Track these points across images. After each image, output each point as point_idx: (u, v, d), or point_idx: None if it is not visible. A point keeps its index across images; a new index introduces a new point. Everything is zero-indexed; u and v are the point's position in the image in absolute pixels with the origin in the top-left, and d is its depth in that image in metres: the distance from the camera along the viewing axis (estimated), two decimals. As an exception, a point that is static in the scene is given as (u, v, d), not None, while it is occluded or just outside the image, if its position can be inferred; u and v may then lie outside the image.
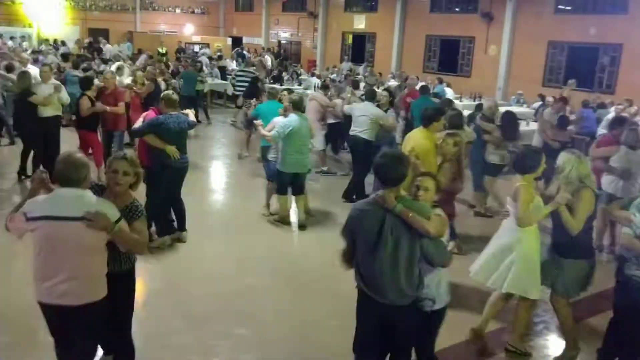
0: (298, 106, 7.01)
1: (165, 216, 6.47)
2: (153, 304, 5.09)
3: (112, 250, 3.35)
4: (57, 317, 3.29)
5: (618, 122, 7.30)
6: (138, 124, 6.21)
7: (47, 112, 8.21)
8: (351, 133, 8.42)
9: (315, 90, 11.55)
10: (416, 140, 5.78)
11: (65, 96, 8.57)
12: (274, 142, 7.15)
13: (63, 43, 22.57)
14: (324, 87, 10.74)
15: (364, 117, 8.22)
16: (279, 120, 6.99)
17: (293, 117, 6.88)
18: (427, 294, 3.60)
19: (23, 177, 8.41)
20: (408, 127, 9.76)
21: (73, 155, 3.27)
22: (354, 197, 8.08)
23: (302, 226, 7.28)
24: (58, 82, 8.69)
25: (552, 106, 10.17)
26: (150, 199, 6.10)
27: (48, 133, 8.24)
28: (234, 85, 14.65)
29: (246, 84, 12.91)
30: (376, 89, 9.88)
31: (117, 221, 3.20)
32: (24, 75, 8.39)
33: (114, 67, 11.48)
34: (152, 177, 5.89)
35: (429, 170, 4.56)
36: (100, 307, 3.31)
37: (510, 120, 8.17)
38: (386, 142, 8.17)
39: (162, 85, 11.08)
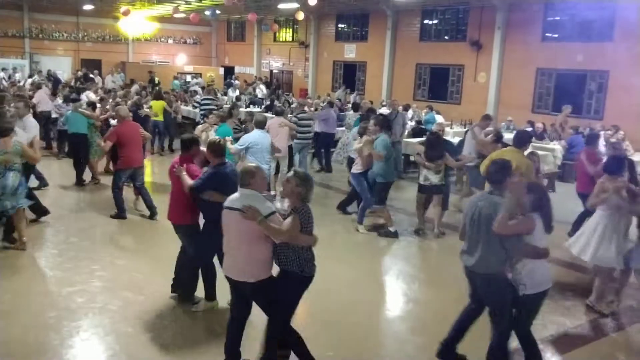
0: (260, 125, 8.28)
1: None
2: (155, 332, 5.03)
3: (289, 251, 4.13)
4: (231, 287, 4.35)
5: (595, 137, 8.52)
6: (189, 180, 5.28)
7: None
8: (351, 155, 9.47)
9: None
10: (518, 159, 6.27)
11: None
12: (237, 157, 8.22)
13: (54, 79, 22.59)
14: (280, 113, 10.76)
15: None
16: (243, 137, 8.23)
17: (253, 134, 8.13)
18: (519, 280, 4.24)
19: None
20: None
21: (246, 166, 4.42)
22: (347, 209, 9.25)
23: None
24: (26, 117, 7.77)
25: (479, 124, 10.19)
26: (198, 259, 5.50)
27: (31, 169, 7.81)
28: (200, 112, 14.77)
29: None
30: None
31: (267, 216, 4.01)
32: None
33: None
34: (201, 235, 5.40)
35: None
36: (256, 287, 4.15)
37: (433, 141, 8.35)
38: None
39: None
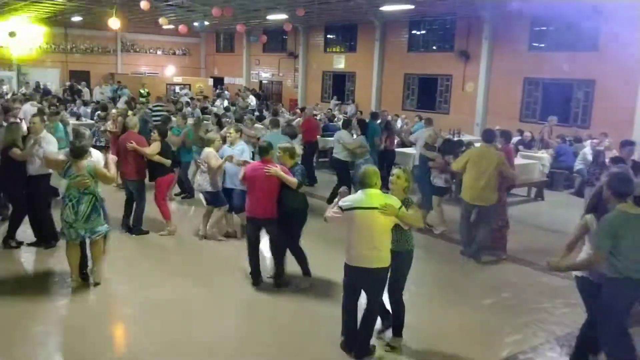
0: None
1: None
2: (144, 345, 4.97)
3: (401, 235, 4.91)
4: (358, 278, 4.83)
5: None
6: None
7: (33, 169, 7.03)
8: (333, 155, 10.72)
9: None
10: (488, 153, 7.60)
11: (49, 148, 7.12)
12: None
13: (44, 90, 22.41)
14: (239, 119, 11.65)
15: (338, 143, 10.39)
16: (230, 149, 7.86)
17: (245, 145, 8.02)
18: None
19: (13, 244, 7.26)
20: None
21: (371, 168, 4.90)
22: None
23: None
24: (43, 135, 7.24)
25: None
26: (280, 244, 6.40)
27: (34, 194, 7.14)
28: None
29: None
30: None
31: (400, 207, 4.68)
32: (12, 127, 7.24)
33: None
34: (288, 222, 6.30)
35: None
36: (386, 269, 4.77)
37: (448, 148, 9.21)
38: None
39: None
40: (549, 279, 6.94)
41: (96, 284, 6.20)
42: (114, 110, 11.85)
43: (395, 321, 5.14)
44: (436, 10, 18.57)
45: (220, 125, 11.62)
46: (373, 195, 4.69)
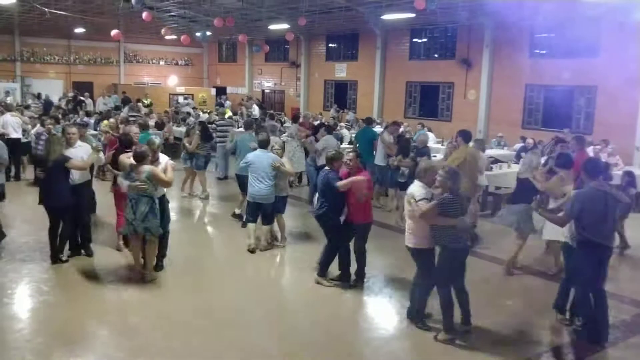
0: (262, 145, 8.11)
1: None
2: (146, 357, 4.97)
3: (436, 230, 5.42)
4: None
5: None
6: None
7: (80, 178, 7.31)
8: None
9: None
10: (466, 151, 8.74)
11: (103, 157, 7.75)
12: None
13: (45, 101, 22.47)
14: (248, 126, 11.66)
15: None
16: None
17: (253, 153, 8.15)
18: None
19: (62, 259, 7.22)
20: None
21: (426, 163, 6.00)
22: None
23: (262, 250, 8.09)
24: (80, 144, 7.43)
25: (388, 129, 11.46)
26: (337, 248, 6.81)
27: (80, 201, 7.26)
28: None
29: None
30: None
31: (418, 200, 5.36)
32: (54, 139, 7.35)
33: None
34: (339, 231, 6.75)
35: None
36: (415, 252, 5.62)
37: (404, 145, 10.02)
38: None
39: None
40: (554, 285, 6.89)
41: (151, 280, 6.63)
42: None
43: (461, 310, 5.59)
44: (437, 19, 18.62)
45: (206, 135, 11.76)
46: (413, 187, 5.64)
